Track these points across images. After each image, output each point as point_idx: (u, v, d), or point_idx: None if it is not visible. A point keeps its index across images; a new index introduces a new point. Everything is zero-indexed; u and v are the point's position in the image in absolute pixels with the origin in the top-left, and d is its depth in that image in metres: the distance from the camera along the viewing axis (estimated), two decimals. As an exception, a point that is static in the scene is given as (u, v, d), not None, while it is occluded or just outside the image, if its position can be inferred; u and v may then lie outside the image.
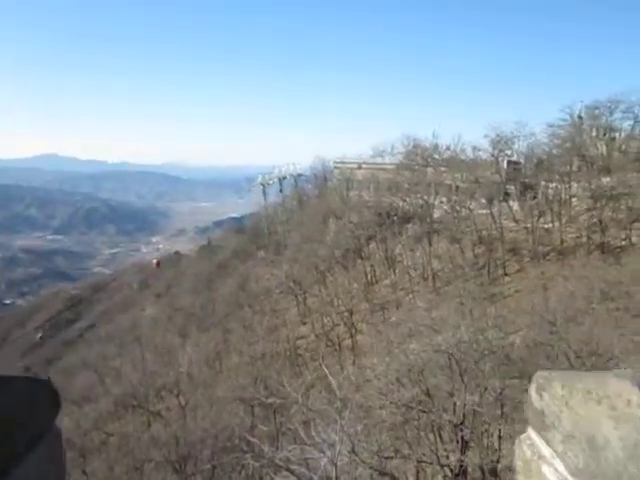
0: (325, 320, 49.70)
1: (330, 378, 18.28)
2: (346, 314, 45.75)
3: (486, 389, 18.25)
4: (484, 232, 48.26)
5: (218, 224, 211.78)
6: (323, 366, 23.90)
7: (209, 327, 58.10)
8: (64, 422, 38.76)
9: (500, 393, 19.02)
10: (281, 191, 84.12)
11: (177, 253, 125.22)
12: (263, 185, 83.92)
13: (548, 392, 1.98)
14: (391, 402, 18.06)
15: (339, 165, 74.87)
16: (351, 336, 44.06)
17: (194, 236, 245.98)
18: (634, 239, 40.92)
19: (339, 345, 44.26)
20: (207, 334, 54.13)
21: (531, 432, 2.13)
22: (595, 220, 43.62)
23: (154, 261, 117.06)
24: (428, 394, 18.31)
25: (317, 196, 77.36)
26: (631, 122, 51.29)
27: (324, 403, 18.43)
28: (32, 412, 1.87)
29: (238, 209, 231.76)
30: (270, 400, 23.53)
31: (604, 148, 50.81)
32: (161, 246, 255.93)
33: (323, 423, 16.17)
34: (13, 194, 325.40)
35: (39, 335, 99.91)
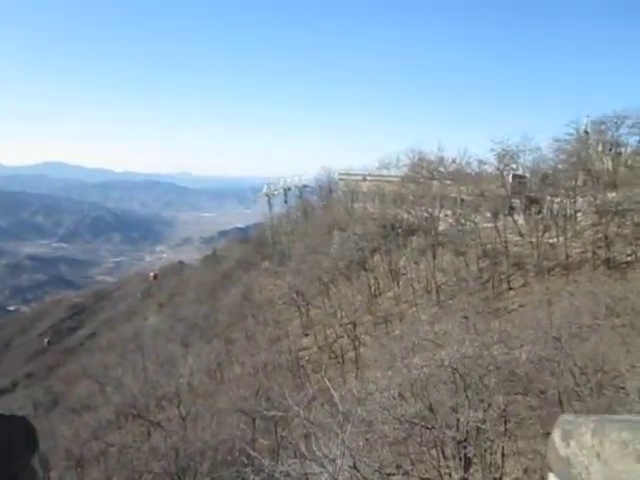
0: (328, 332, 49.46)
1: (332, 391, 18.08)
2: (349, 326, 45.50)
3: (490, 405, 18.02)
4: (489, 246, 48.09)
5: (223, 234, 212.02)
6: (325, 379, 23.72)
7: (211, 337, 57.90)
8: (63, 431, 38.65)
9: (504, 409, 18.81)
10: (286, 202, 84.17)
11: (181, 262, 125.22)
12: (268, 196, 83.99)
13: (576, 440, 1.82)
14: (394, 417, 17.86)
15: (344, 177, 74.94)
16: (354, 348, 43.77)
17: (199, 246, 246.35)
18: (640, 254, 40.67)
19: (342, 357, 43.98)
20: (209, 344, 53.89)
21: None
22: (600, 235, 43.42)
23: (151, 274, 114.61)
24: (431, 409, 18.10)
25: (322, 207, 77.40)
26: (637, 137, 51.17)
27: (326, 416, 18.24)
28: (6, 454, 1.76)
29: (243, 219, 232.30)
30: (271, 413, 23.31)
31: (610, 163, 50.64)
32: (165, 255, 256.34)
33: (324, 437, 15.98)
34: (20, 201, 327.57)
35: (46, 340, 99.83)
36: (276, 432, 25.98)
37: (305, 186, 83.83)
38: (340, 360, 43.85)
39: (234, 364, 46.63)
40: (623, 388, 20.45)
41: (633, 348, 21.81)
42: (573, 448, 1.82)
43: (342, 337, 46.91)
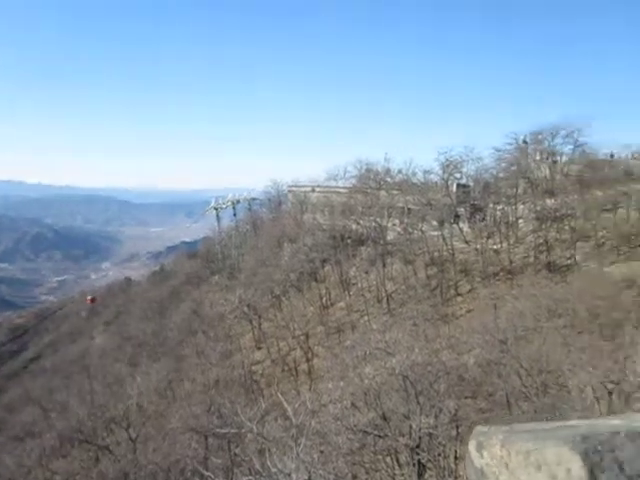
0: (281, 345, 49.14)
1: (285, 405, 17.93)
2: (302, 338, 45.37)
3: (441, 410, 18.32)
4: (436, 253, 49.17)
5: (171, 249, 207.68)
6: (278, 393, 23.50)
7: (160, 355, 56.41)
8: (5, 460, 36.67)
9: (455, 414, 19.13)
10: (235, 215, 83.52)
11: (127, 279, 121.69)
12: (216, 209, 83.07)
13: (488, 451, 1.89)
14: (347, 427, 17.87)
15: (293, 189, 75.11)
16: (307, 360, 43.65)
17: (146, 261, 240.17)
18: (578, 258, 42.52)
19: (295, 370, 43.74)
20: (158, 362, 52.46)
21: None
22: (541, 240, 45.23)
23: (88, 298, 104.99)
24: (384, 418, 18.22)
25: (271, 220, 77.17)
26: (571, 147, 53.75)
27: (280, 431, 18.08)
28: None
29: (191, 234, 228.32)
30: (224, 430, 22.87)
31: (547, 171, 52.92)
32: (111, 272, 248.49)
33: (279, 452, 15.80)
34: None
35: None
36: (229, 449, 25.49)
37: (254, 199, 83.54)
38: (293, 373, 43.60)
39: (185, 382, 45.55)
40: (565, 386, 21.25)
41: (573, 348, 22.68)
42: (486, 459, 1.89)
43: (295, 349, 46.71)
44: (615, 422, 1.83)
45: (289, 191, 76.03)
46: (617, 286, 34.07)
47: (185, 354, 54.04)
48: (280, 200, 77.83)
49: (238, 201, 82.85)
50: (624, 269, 38.63)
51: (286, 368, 45.52)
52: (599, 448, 1.52)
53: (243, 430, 20.39)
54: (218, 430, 23.84)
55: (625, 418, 1.91)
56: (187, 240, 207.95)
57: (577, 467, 1.56)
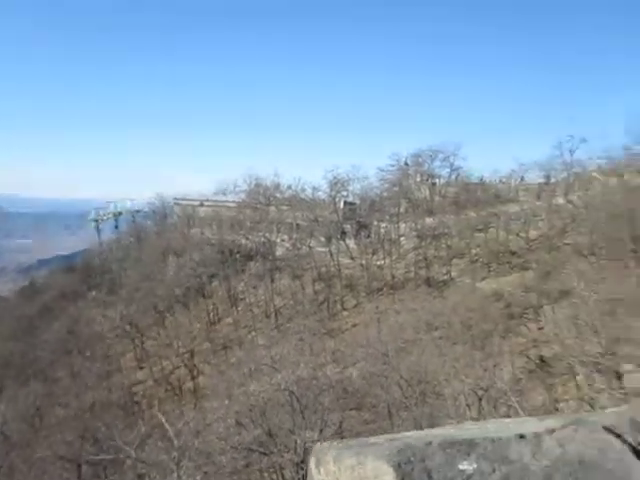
0: (164, 363, 47.19)
1: (167, 426, 17.20)
2: (187, 356, 43.97)
3: (326, 423, 18.56)
4: (323, 269, 50.23)
5: (44, 263, 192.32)
6: (159, 414, 22.48)
7: (29, 378, 51.75)
8: None
9: (340, 426, 19.48)
10: (117, 227, 79.33)
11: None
12: (97, 221, 78.40)
13: (324, 467, 1.99)
14: (232, 446, 17.52)
15: (180, 202, 73.04)
16: (192, 378, 42.36)
17: (15, 276, 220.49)
18: (454, 274, 45.58)
19: (180, 389, 42.22)
20: (26, 386, 48.08)
21: None
22: (421, 257, 47.94)
23: None
24: (270, 434, 18.10)
25: (156, 233, 74.23)
26: (448, 170, 57.68)
27: (161, 454, 17.27)
28: None
29: (68, 246, 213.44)
30: (99, 457, 21.42)
31: (427, 192, 56.36)
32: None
33: (159, 476, 15.11)
34: None
35: None
36: (105, 477, 23.91)
37: (138, 211, 79.76)
38: (178, 392, 42.06)
39: (56, 407, 42.13)
40: (442, 395, 22.50)
41: (448, 358, 24.14)
42: (322, 475, 2.00)
43: (179, 367, 45.12)
44: (436, 432, 2.00)
45: (176, 204, 73.80)
46: (487, 300, 36.98)
47: (58, 376, 50.02)
48: (166, 213, 75.19)
49: (120, 213, 78.83)
50: (494, 284, 42.02)
51: (169, 387, 43.80)
52: (412, 459, 1.66)
53: (121, 455, 19.25)
54: (92, 457, 22.29)
55: (481, 425, 2.05)
56: (64, 253, 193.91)
57: (390, 479, 1.68)
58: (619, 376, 24.71)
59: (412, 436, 1.83)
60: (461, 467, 1.57)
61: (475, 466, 1.56)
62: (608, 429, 1.17)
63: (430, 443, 1.45)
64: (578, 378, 27.46)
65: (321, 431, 17.71)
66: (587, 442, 1.15)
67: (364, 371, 24.73)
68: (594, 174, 46.93)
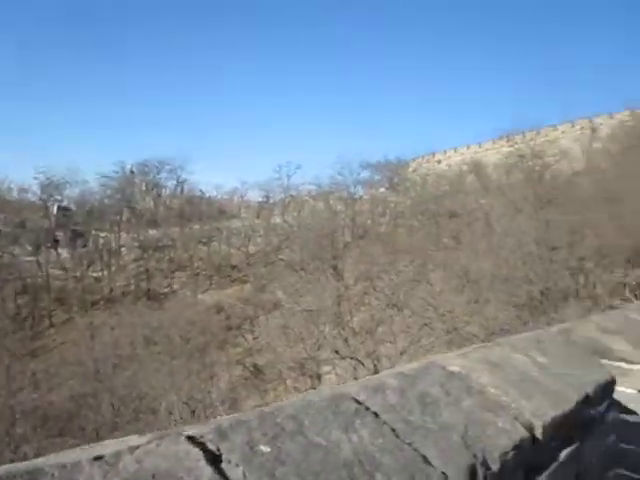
0: None
1: None
2: None
3: (24, 455, 16.38)
4: (29, 280, 44.64)
5: None
6: None
7: None
8: None
9: (37, 457, 17.37)
10: None
11: None
12: None
13: None
14: None
15: None
16: None
17: None
18: (175, 286, 45.42)
19: None
20: None
21: None
22: (142, 269, 46.49)
23: None
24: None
25: None
26: (174, 182, 57.56)
27: None
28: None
29: None
30: None
31: (152, 203, 55.16)
32: None
33: None
34: None
35: None
36: None
37: None
38: None
39: None
40: (157, 410, 22.01)
41: (165, 372, 23.81)
42: None
43: None
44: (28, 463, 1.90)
45: None
46: (208, 312, 37.80)
47: None
48: None
49: None
50: (215, 296, 43.21)
51: None
52: None
53: None
54: None
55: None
56: None
57: None
58: (319, 377, 27.91)
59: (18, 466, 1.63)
60: None
61: None
62: (190, 438, 1.25)
63: (41, 468, 1.16)
64: (287, 382, 29.94)
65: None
66: (166, 454, 1.17)
67: (73, 392, 22.67)
68: (306, 198, 52.53)
